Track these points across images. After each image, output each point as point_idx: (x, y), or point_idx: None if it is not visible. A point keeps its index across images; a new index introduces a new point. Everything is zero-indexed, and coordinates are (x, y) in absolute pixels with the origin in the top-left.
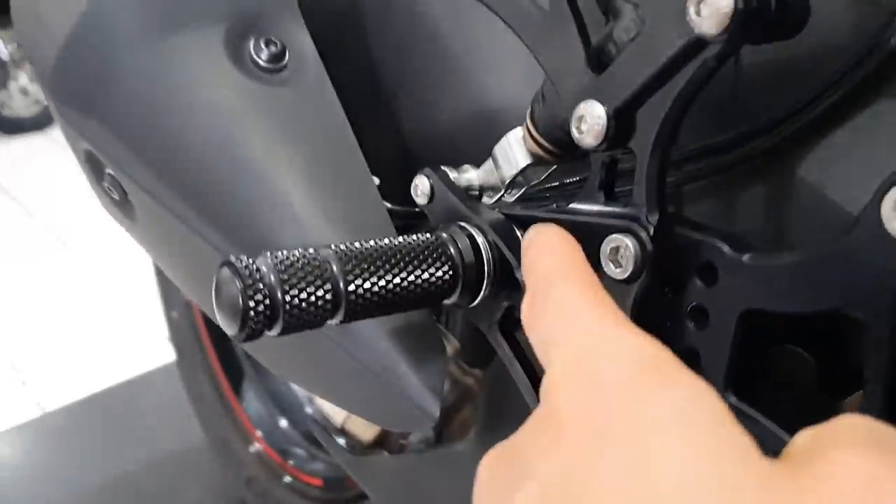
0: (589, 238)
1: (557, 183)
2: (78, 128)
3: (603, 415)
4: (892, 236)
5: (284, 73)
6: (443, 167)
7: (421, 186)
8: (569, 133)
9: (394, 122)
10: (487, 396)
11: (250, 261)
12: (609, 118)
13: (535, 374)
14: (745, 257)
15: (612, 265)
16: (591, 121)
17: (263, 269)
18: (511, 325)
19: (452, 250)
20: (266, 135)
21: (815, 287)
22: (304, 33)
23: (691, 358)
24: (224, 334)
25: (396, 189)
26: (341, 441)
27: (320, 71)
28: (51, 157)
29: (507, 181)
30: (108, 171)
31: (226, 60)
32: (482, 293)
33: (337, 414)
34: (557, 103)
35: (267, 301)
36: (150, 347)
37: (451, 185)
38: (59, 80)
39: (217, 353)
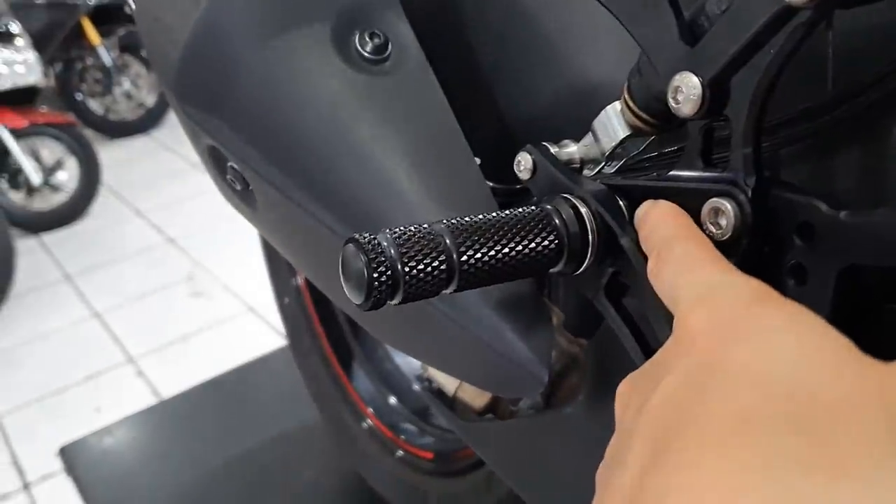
0: (690, 202)
1: (656, 153)
2: (201, 125)
3: (729, 325)
4: None
5: (388, 64)
6: (544, 143)
7: (524, 162)
8: (665, 104)
9: (493, 105)
10: (593, 364)
11: (372, 237)
12: (704, 88)
13: (642, 336)
14: (842, 214)
15: (712, 227)
16: (687, 91)
17: (384, 244)
18: (617, 291)
19: (557, 221)
20: (374, 122)
21: None
22: (405, 24)
23: None
24: (333, 317)
25: (498, 168)
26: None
27: (421, 59)
28: (154, 158)
29: (607, 153)
30: (231, 164)
31: (334, 55)
32: (587, 261)
33: (449, 384)
34: (653, 76)
35: (389, 272)
36: (262, 334)
37: (552, 160)
38: (181, 82)
39: (327, 336)
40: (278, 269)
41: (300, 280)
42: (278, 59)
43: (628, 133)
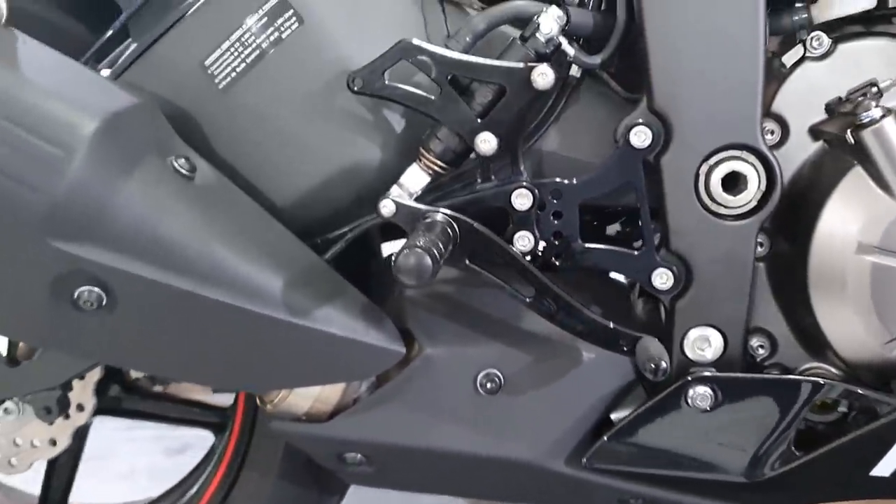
0: (498, 199)
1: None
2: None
3: None
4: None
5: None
6: (387, 193)
7: (387, 207)
8: (459, 155)
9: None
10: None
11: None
12: (499, 140)
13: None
14: (576, 180)
15: (519, 208)
16: (489, 143)
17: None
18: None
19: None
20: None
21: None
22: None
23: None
24: None
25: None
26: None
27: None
28: None
29: (417, 194)
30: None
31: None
32: None
33: (301, 405)
34: (453, 141)
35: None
36: None
37: (407, 201)
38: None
39: None
40: None
41: None
42: None
43: (430, 179)
